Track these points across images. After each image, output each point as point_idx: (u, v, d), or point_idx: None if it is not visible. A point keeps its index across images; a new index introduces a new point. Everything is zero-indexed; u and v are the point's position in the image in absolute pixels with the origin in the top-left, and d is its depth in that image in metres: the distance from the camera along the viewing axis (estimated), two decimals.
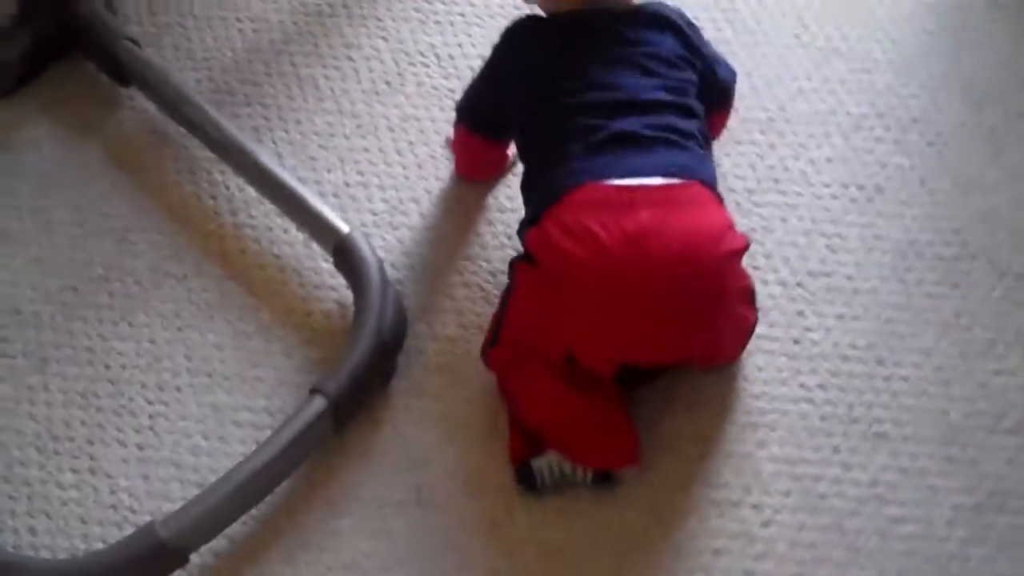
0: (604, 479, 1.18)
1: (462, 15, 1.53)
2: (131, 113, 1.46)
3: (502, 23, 1.27)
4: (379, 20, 1.53)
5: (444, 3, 1.54)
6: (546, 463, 1.17)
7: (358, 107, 1.45)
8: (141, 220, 1.37)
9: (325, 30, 1.52)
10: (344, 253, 1.26)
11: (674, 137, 1.14)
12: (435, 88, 1.47)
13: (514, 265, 1.21)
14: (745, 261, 1.23)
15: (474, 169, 1.39)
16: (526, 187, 1.23)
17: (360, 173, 1.40)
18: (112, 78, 1.45)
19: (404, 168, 1.40)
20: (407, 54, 1.49)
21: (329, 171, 1.40)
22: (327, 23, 1.53)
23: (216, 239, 1.36)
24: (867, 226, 1.35)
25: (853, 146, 1.41)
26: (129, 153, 1.43)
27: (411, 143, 1.42)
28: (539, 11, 1.25)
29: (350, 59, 1.50)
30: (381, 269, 1.24)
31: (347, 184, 1.39)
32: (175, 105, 1.39)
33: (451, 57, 1.49)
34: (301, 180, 1.36)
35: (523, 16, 1.25)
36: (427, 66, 1.49)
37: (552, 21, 1.23)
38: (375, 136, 1.43)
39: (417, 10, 1.53)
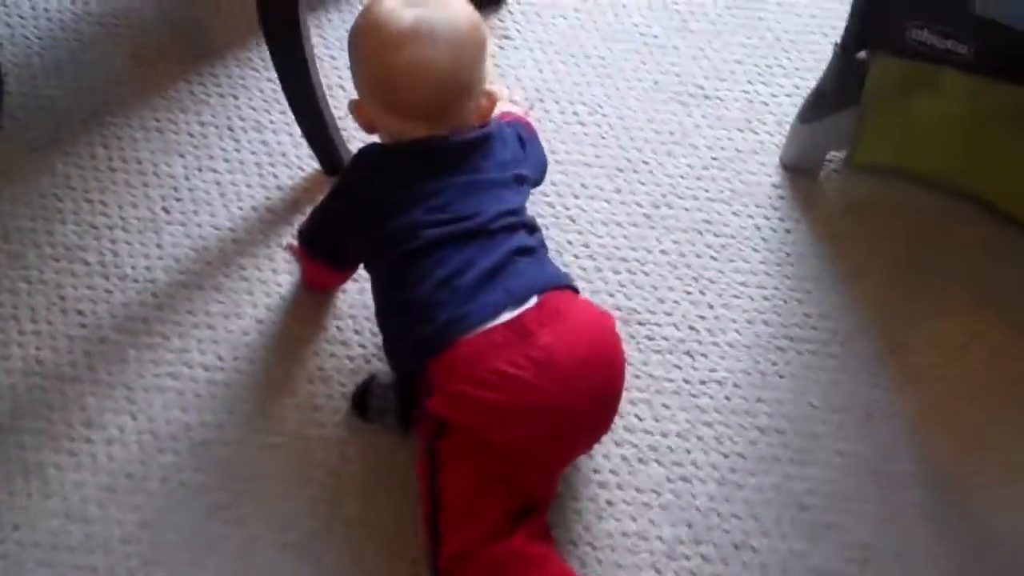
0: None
1: (227, 384, 1.31)
2: None
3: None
4: (128, 389, 1.31)
5: (207, 370, 1.32)
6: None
7: (90, 509, 1.23)
8: None
9: (64, 400, 1.30)
10: None
11: (529, 256, 1.20)
12: (183, 484, 1.25)
13: (433, 450, 1.14)
14: None
15: (317, 284, 1.39)
16: (388, 322, 1.22)
17: None
18: None
19: None
20: (156, 437, 1.28)
21: None
22: (67, 390, 1.31)
23: None
24: None
25: None
26: None
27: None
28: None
29: (89, 441, 1.27)
30: None
31: None
32: None
33: (205, 444, 1.27)
34: None
35: (371, 144, 1.25)
36: (177, 453, 1.27)
37: (397, 152, 1.23)
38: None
39: (174, 377, 1.32)
